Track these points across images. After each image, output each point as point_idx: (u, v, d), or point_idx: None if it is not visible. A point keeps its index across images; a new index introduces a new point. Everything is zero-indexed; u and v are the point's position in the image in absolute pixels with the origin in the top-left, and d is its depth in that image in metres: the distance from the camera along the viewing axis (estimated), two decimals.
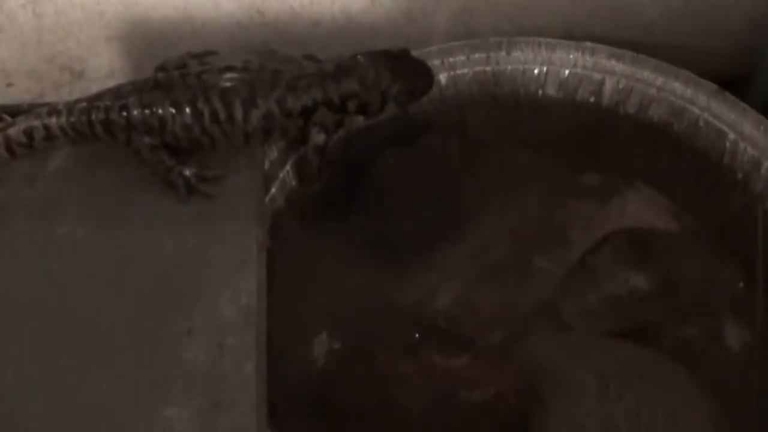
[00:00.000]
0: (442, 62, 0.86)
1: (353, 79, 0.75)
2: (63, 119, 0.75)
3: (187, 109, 0.73)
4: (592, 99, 0.86)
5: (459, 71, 0.86)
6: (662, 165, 0.86)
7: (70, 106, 0.75)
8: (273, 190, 0.79)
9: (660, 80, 0.84)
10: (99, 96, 0.75)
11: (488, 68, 0.86)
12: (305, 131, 0.76)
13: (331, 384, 0.77)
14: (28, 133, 0.76)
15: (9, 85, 0.94)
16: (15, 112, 0.82)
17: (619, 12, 0.91)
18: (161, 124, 0.74)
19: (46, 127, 0.75)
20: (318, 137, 0.77)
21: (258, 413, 0.63)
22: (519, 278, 0.81)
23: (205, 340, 0.66)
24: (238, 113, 0.74)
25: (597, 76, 0.85)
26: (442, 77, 0.85)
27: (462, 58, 0.86)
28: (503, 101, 0.87)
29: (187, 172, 0.74)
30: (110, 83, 0.92)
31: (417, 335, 0.76)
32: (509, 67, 0.86)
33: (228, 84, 0.74)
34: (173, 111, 0.73)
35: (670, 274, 0.79)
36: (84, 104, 0.75)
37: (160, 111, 0.73)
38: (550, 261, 0.81)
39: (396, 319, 0.78)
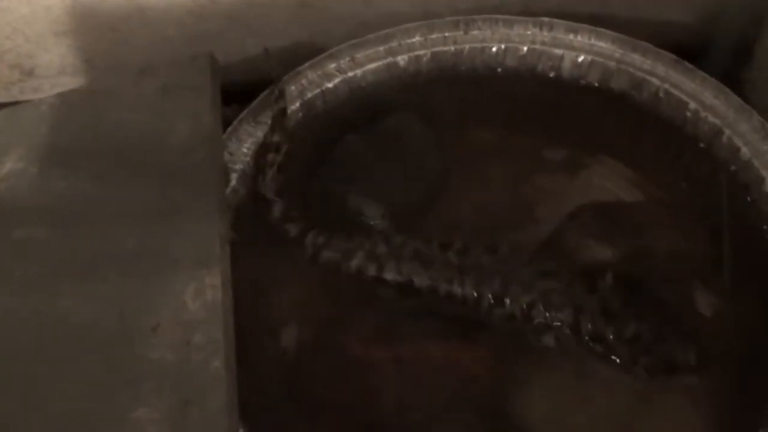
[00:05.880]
0: (400, 44, 0.85)
1: None
2: None
3: None
4: (552, 74, 0.86)
5: (418, 52, 0.85)
6: (626, 137, 0.86)
7: None
8: (233, 182, 0.78)
9: (619, 53, 0.84)
10: None
11: (446, 48, 0.85)
12: None
13: (303, 374, 0.76)
14: None
15: None
16: None
17: None
18: None
19: None
20: None
21: (229, 409, 0.62)
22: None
23: (172, 337, 0.65)
24: None
25: (556, 51, 0.85)
26: (401, 59, 0.85)
27: (420, 39, 0.85)
28: (463, 80, 0.86)
29: None
30: (62, 80, 0.91)
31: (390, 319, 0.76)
32: (467, 46, 0.85)
33: None
34: None
35: (638, 245, 0.78)
36: None
37: None
38: (519, 238, 0.80)
39: (366, 304, 0.77)
